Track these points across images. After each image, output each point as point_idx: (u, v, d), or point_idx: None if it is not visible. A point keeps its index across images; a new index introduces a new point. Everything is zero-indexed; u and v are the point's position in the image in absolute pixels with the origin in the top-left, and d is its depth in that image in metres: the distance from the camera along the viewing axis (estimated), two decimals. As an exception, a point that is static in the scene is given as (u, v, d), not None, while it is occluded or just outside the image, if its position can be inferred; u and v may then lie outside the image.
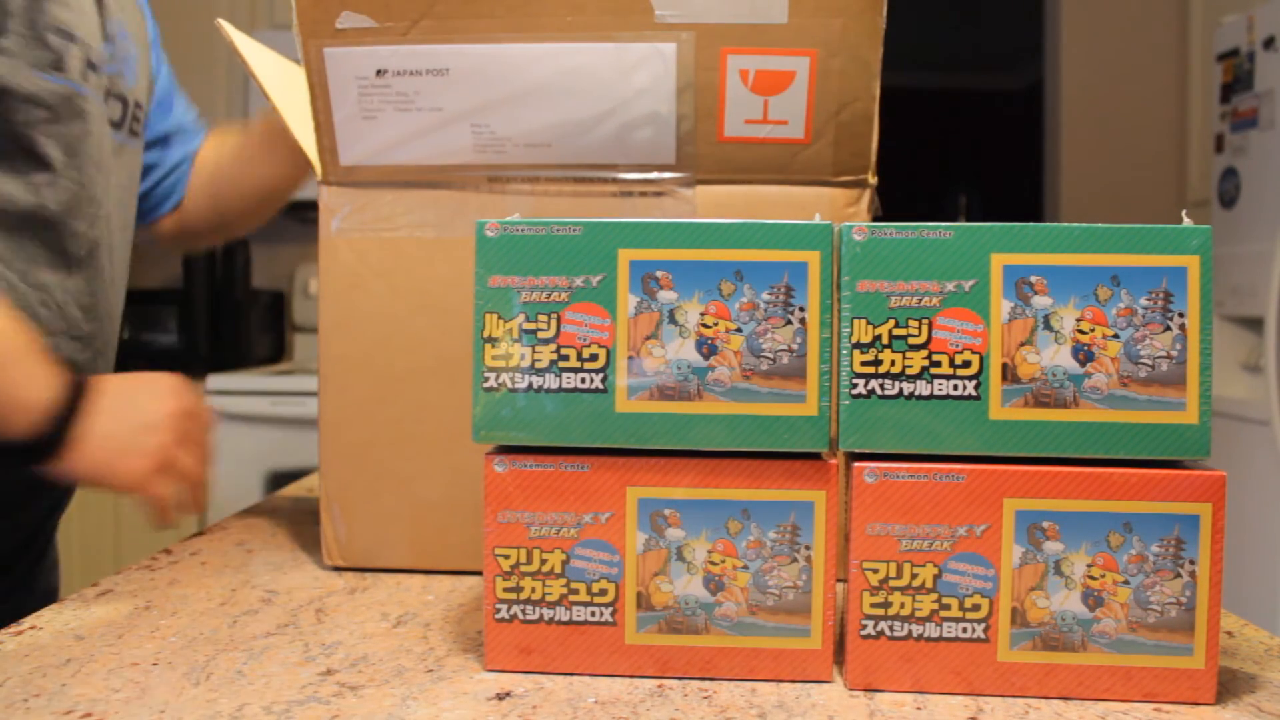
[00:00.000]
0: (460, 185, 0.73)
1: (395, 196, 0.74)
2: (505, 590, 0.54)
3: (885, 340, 0.52)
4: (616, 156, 0.72)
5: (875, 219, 0.73)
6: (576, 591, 0.54)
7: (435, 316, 0.73)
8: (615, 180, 0.73)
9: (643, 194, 0.73)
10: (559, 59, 0.69)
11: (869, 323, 0.52)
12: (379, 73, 0.70)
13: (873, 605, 0.52)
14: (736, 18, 0.67)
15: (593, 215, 0.72)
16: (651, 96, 0.69)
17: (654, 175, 0.72)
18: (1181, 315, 0.51)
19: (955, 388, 0.52)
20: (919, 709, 0.50)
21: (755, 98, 0.69)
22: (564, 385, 0.53)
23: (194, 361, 2.69)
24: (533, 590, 0.54)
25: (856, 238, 0.52)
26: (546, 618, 0.54)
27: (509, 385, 0.53)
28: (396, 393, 0.73)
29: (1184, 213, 0.54)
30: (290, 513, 0.93)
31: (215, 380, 2.44)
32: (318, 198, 0.74)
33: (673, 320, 0.53)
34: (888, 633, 0.52)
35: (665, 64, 0.68)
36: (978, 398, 0.52)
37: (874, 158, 0.71)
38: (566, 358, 0.53)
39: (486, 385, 0.54)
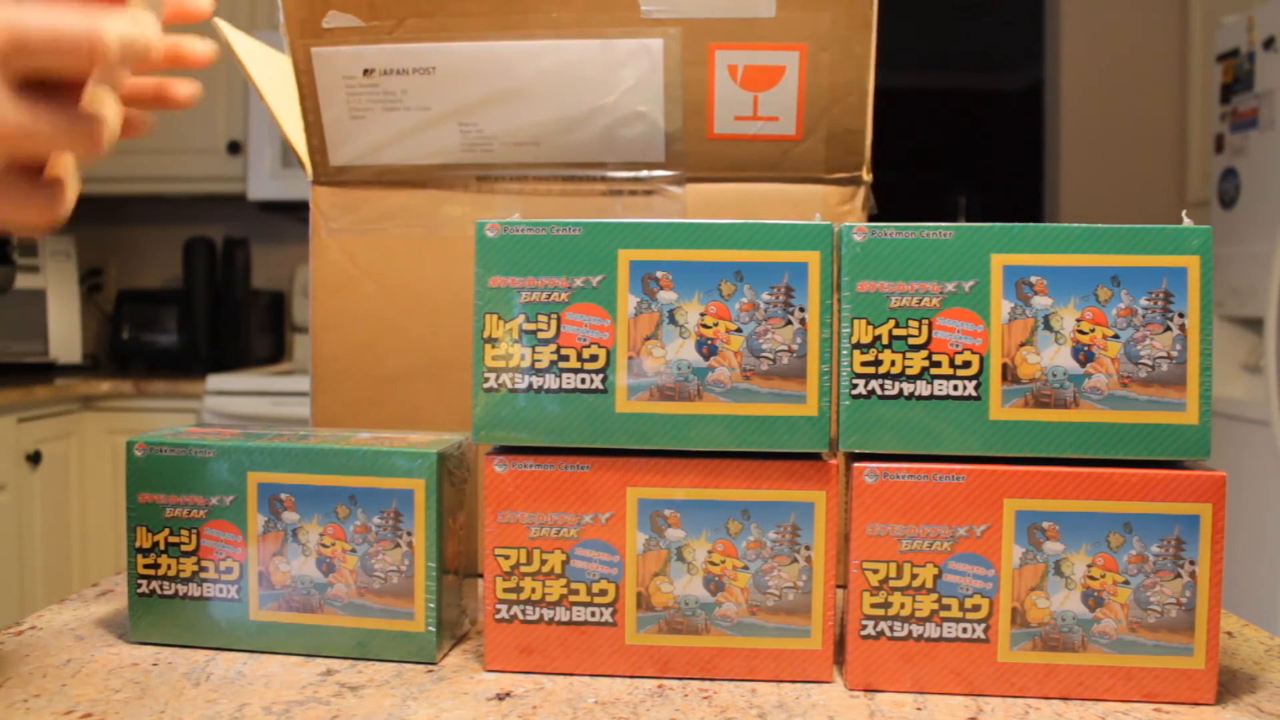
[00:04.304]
0: (449, 185, 0.73)
1: (385, 196, 0.74)
2: (505, 590, 0.54)
3: (885, 340, 0.52)
4: (605, 155, 0.72)
5: (871, 217, 0.73)
6: (576, 592, 0.54)
7: (425, 316, 0.73)
8: (604, 179, 0.72)
9: (632, 193, 0.72)
10: (545, 56, 0.69)
11: (869, 323, 0.52)
12: (366, 72, 0.70)
13: (873, 605, 0.52)
14: (723, 12, 0.67)
15: (582, 214, 0.72)
16: (639, 93, 0.69)
17: (643, 174, 0.72)
18: (1181, 315, 0.51)
19: (955, 388, 0.52)
20: (919, 709, 0.50)
21: (745, 93, 0.69)
22: (564, 385, 0.53)
23: (194, 361, 2.69)
24: (533, 590, 0.54)
25: (857, 238, 0.52)
26: (547, 618, 0.54)
27: (509, 385, 0.53)
28: (387, 393, 0.73)
29: (1184, 213, 0.53)
30: (290, 513, 0.93)
31: (215, 380, 2.44)
32: (309, 198, 0.74)
33: (673, 320, 0.53)
34: (888, 633, 0.52)
35: (652, 60, 0.68)
36: (978, 398, 0.52)
37: (868, 154, 0.71)
38: (566, 358, 0.53)
39: (487, 385, 0.54)
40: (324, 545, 0.56)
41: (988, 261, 0.51)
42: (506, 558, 0.54)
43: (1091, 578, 0.51)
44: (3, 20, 0.41)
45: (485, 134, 0.71)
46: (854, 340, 0.52)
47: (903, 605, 0.52)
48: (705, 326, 0.52)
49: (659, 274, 0.53)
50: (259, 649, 0.57)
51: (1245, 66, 2.27)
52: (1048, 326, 0.51)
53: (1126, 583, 0.51)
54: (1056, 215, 3.06)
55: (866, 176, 0.72)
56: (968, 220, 2.01)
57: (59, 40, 0.42)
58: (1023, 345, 0.51)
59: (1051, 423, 0.51)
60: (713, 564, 0.53)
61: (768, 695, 0.52)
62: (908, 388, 0.52)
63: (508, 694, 0.52)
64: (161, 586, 0.57)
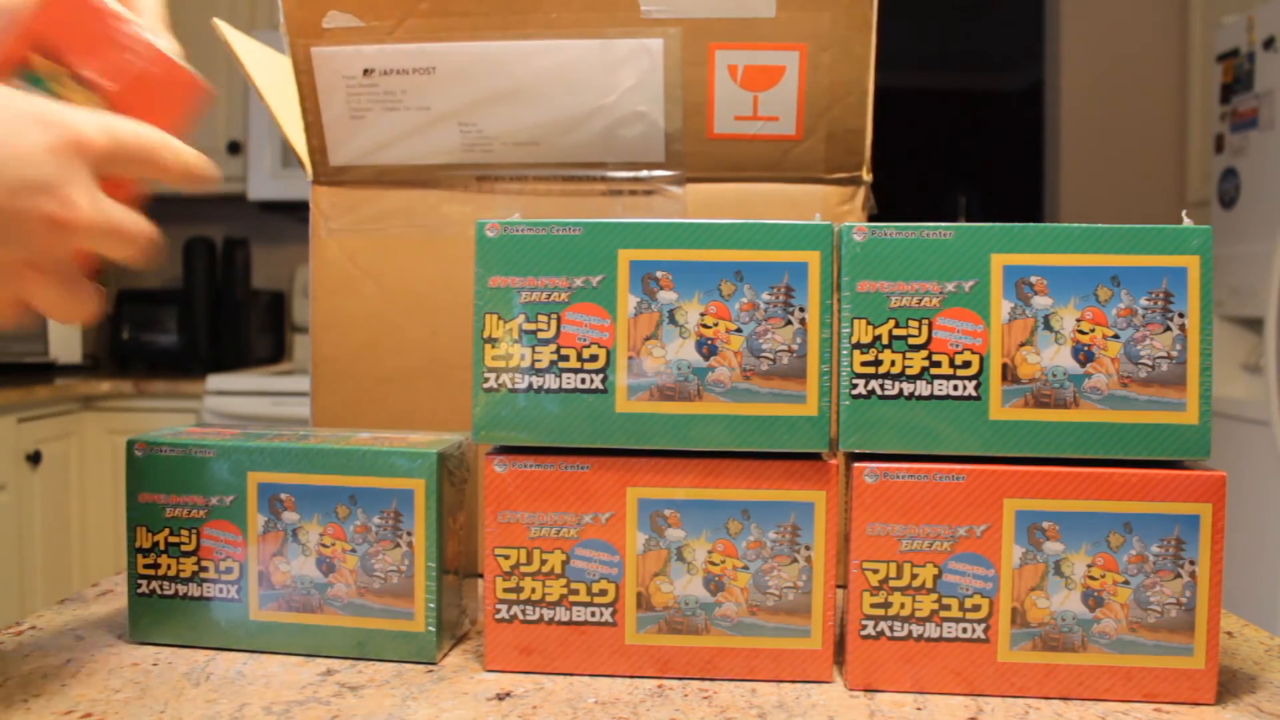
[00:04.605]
0: (449, 185, 0.73)
1: (385, 196, 0.74)
2: (505, 590, 0.54)
3: (885, 340, 0.52)
4: (605, 155, 0.72)
5: (871, 217, 0.73)
6: (576, 592, 0.54)
7: (425, 316, 0.73)
8: (604, 179, 0.72)
9: (632, 193, 0.72)
10: (545, 56, 0.69)
11: (869, 323, 0.52)
12: (366, 72, 0.70)
13: (873, 605, 0.52)
14: (723, 12, 0.67)
15: (582, 214, 0.72)
16: (639, 93, 0.69)
17: (643, 174, 0.72)
18: (1181, 315, 0.51)
19: (955, 388, 0.52)
20: (919, 709, 0.50)
21: (744, 93, 0.69)
22: (564, 385, 0.53)
23: (194, 361, 2.69)
24: (533, 590, 0.54)
25: (857, 238, 0.52)
26: (547, 618, 0.54)
27: (509, 385, 0.53)
28: (386, 393, 0.73)
29: (1184, 213, 0.53)
30: (290, 513, 0.93)
31: (215, 380, 2.44)
32: (309, 198, 0.74)
33: (673, 320, 0.53)
34: (888, 633, 0.52)
35: (652, 60, 0.68)
36: (978, 398, 0.52)
37: (868, 154, 0.71)
38: (566, 358, 0.53)
39: (486, 385, 0.54)
40: (324, 545, 0.56)
41: (988, 261, 0.51)
42: (506, 558, 0.54)
43: (1091, 578, 0.51)
44: (108, 127, 0.46)
45: (485, 134, 0.71)
46: (854, 340, 0.52)
47: (903, 605, 0.52)
48: (705, 326, 0.52)
49: (659, 274, 0.53)
50: (259, 649, 0.57)
51: (1245, 66, 2.27)
52: (1048, 326, 0.51)
53: (1126, 583, 0.51)
54: (1056, 215, 3.06)
55: (866, 176, 0.72)
56: (968, 220, 2.01)
57: (144, 153, 0.47)
58: (1023, 345, 0.51)
59: (1051, 423, 0.51)
60: (713, 564, 0.53)
61: (768, 695, 0.52)
62: (908, 388, 0.52)
63: (508, 694, 0.52)
64: (161, 586, 0.57)
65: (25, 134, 0.43)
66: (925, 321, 0.52)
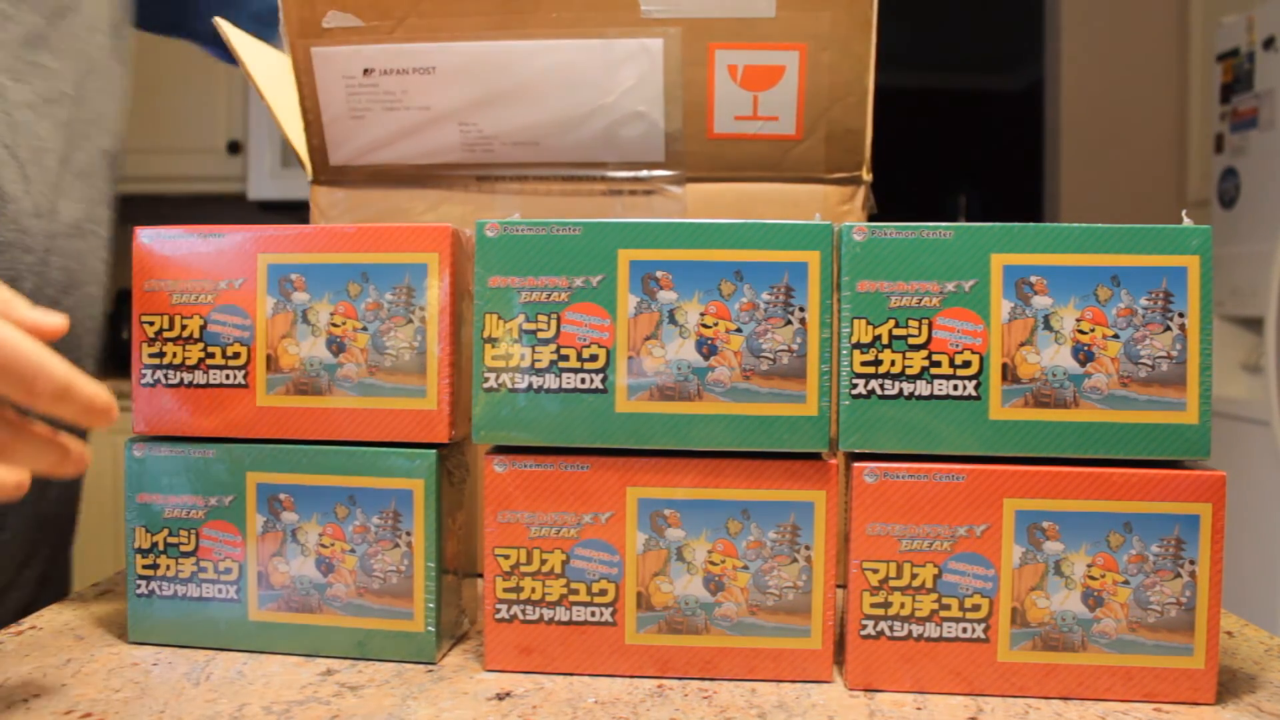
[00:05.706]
0: (449, 184, 0.73)
1: (385, 196, 0.73)
2: (505, 590, 0.54)
3: (885, 340, 0.52)
4: (605, 154, 0.72)
5: (871, 216, 0.73)
6: (576, 591, 0.54)
7: None
8: (604, 179, 0.72)
9: (632, 192, 0.72)
10: (545, 56, 0.69)
11: (869, 323, 0.52)
12: (366, 71, 0.70)
13: (873, 605, 0.52)
14: (723, 11, 0.67)
15: (582, 214, 0.72)
16: (639, 93, 0.69)
17: (643, 174, 0.72)
18: (1181, 315, 0.51)
19: (955, 388, 0.52)
20: (919, 709, 0.50)
21: (744, 93, 0.69)
22: (564, 385, 0.53)
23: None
24: (533, 590, 0.54)
25: (857, 238, 0.52)
26: (546, 618, 0.54)
27: (509, 385, 0.53)
28: None
29: (1184, 213, 0.54)
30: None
31: (215, 380, 2.44)
32: (309, 197, 0.74)
33: (673, 320, 0.53)
34: (888, 633, 0.52)
35: (652, 60, 0.68)
36: (978, 398, 0.52)
37: (868, 154, 0.71)
38: (566, 358, 0.53)
39: (486, 385, 0.54)
40: (323, 545, 0.56)
41: (988, 261, 0.51)
42: (506, 558, 0.54)
43: (1091, 578, 0.51)
44: None
45: (485, 133, 0.71)
46: (854, 340, 0.52)
47: (903, 605, 0.52)
48: (705, 326, 0.52)
49: (659, 274, 0.53)
50: (258, 649, 0.57)
51: (1245, 66, 2.28)
52: (1048, 326, 0.51)
53: (1126, 583, 0.51)
54: (1056, 215, 3.06)
55: (866, 176, 0.72)
56: (968, 220, 2.01)
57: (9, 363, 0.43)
58: (1023, 345, 0.51)
59: (1051, 423, 0.51)
60: (713, 564, 0.53)
61: (768, 695, 0.52)
62: (908, 387, 0.52)
63: (508, 694, 0.52)
64: (160, 587, 0.57)
65: None
66: (925, 321, 0.52)
